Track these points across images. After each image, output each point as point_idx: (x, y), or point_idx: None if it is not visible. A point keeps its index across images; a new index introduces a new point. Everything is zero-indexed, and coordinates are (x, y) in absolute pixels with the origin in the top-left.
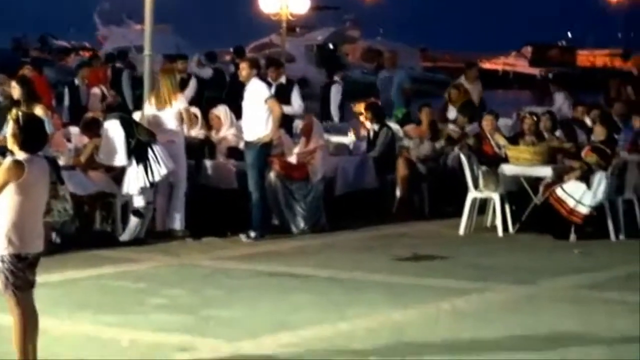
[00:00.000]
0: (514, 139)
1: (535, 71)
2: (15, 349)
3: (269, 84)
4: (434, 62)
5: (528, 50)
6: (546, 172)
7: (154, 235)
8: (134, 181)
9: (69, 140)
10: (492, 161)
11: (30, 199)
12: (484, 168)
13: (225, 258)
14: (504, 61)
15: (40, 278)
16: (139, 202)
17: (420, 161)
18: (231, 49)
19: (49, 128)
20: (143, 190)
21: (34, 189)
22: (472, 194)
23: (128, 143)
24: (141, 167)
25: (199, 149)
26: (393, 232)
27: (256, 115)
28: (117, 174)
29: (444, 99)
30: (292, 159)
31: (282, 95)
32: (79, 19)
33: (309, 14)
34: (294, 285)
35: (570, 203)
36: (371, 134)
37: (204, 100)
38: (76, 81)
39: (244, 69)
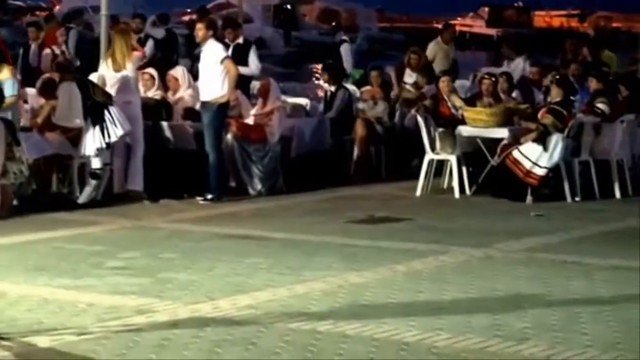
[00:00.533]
0: (471, 101)
1: (492, 32)
2: None
3: (226, 45)
4: (391, 22)
5: (485, 10)
6: (503, 133)
7: (111, 197)
8: (91, 143)
9: (25, 101)
10: (449, 123)
11: None
12: (440, 130)
13: (182, 220)
14: (460, 22)
15: None
16: (95, 163)
17: (377, 122)
18: (188, 10)
19: (13, 89)
20: (100, 152)
21: None
22: (428, 156)
23: (85, 104)
24: (97, 128)
25: (155, 110)
26: (349, 194)
27: (213, 76)
28: (74, 136)
29: (401, 62)
30: (250, 121)
31: (239, 56)
32: None
33: None
34: (251, 248)
35: (527, 165)
36: (328, 95)
37: (156, 61)
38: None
39: (200, 29)
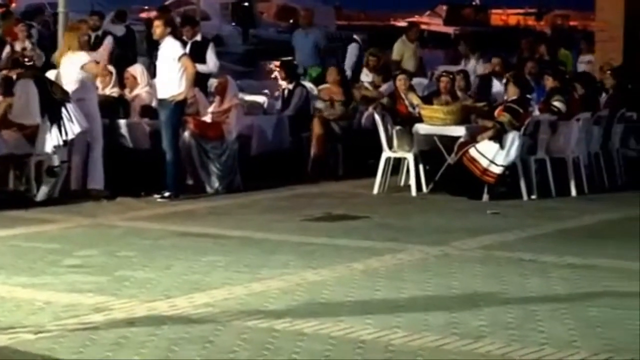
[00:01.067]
0: (428, 99)
1: (450, 30)
2: None
3: (184, 43)
4: (349, 20)
5: (442, 9)
6: (460, 131)
7: (69, 194)
8: (48, 140)
9: None
10: (406, 121)
11: None
12: (398, 128)
13: (139, 218)
14: (418, 20)
15: None
16: (53, 161)
17: (335, 121)
18: (146, 7)
19: None
20: (57, 149)
21: None
22: (386, 154)
23: (42, 101)
24: (55, 125)
25: (112, 108)
26: (307, 192)
27: (170, 74)
28: (31, 133)
29: (357, 62)
30: (207, 118)
31: (197, 54)
32: None
33: None
34: (208, 246)
35: (484, 163)
36: (285, 92)
37: (115, 58)
38: None
39: (158, 27)
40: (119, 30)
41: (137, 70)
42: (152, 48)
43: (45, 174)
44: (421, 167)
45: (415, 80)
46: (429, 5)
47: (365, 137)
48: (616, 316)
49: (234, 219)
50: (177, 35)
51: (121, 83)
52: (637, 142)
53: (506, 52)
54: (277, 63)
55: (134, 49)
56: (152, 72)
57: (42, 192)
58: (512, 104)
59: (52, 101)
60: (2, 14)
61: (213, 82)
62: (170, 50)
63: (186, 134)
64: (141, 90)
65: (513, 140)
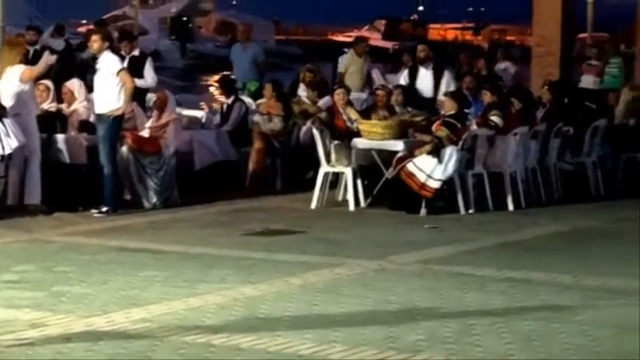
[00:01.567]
0: (366, 113)
1: (389, 45)
2: None
3: (122, 57)
4: (287, 35)
5: (381, 23)
6: (398, 146)
7: (6, 209)
8: None
9: None
10: (345, 135)
11: None
12: (336, 142)
13: (76, 233)
14: (357, 34)
15: None
16: None
17: (273, 135)
18: (84, 21)
19: None
20: None
21: None
22: (324, 169)
23: None
24: None
25: (50, 123)
26: (245, 206)
27: (108, 88)
28: None
29: (295, 78)
30: (145, 133)
31: (135, 68)
32: None
33: None
34: (146, 261)
35: (421, 177)
36: (224, 107)
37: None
38: None
39: (95, 41)
40: (58, 44)
41: (74, 85)
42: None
43: None
44: (359, 181)
45: (354, 95)
46: (368, 19)
47: (304, 152)
48: (552, 330)
49: (172, 233)
50: (115, 50)
51: (59, 98)
52: (573, 155)
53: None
54: (216, 78)
55: (73, 64)
56: (89, 86)
57: None
58: (450, 119)
59: None
60: None
61: (151, 97)
62: (108, 65)
63: (124, 148)
64: (79, 105)
65: (451, 154)
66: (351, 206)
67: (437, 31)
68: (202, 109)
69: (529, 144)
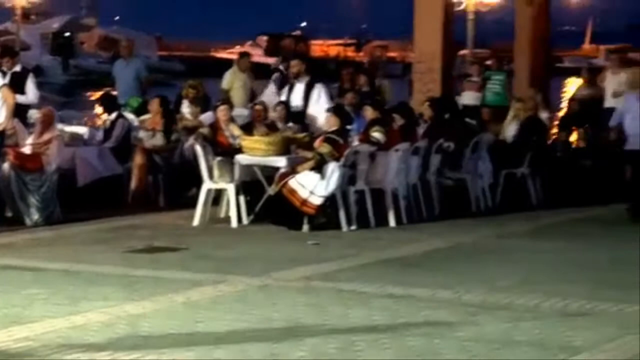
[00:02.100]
0: (248, 129)
1: (271, 61)
2: None
3: (3, 73)
4: (170, 50)
5: (263, 39)
6: (280, 162)
7: None
8: None
9: None
10: (227, 152)
11: None
12: (218, 159)
13: None
14: (239, 50)
15: None
16: None
17: (156, 152)
18: None
19: None
20: None
21: None
22: (206, 185)
23: None
24: None
25: None
26: (128, 223)
27: None
28: None
29: (178, 94)
30: (26, 149)
31: (16, 84)
32: None
33: (45, 1)
34: (28, 279)
35: (304, 194)
36: (107, 123)
37: None
38: None
39: None
40: None
41: None
42: None
43: None
44: (242, 198)
45: (238, 111)
46: (250, 35)
47: (187, 168)
48: (434, 346)
49: (55, 251)
50: None
51: None
52: (454, 171)
53: (327, 83)
54: (98, 94)
55: None
56: None
57: None
58: (332, 135)
59: None
60: None
61: (33, 113)
62: None
63: (5, 165)
64: None
65: (333, 171)
66: (234, 223)
67: (320, 47)
68: (85, 125)
69: (410, 160)
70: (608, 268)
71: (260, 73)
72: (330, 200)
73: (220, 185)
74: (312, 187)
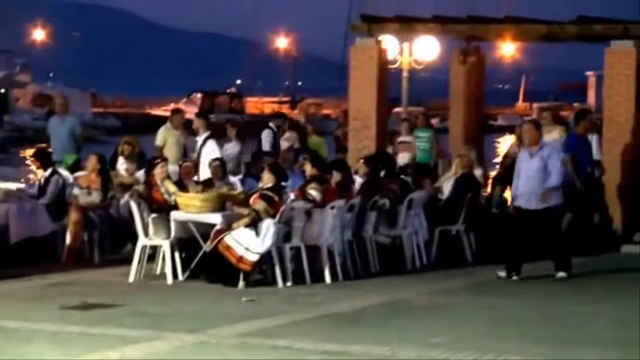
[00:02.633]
0: (183, 186)
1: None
2: None
3: None
4: (105, 107)
5: (198, 97)
6: (216, 219)
7: None
8: None
9: None
10: (163, 208)
11: None
12: (153, 215)
13: None
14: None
15: None
16: None
17: (91, 208)
18: None
19: None
20: None
21: None
22: (142, 241)
23: None
24: None
25: None
26: (63, 280)
27: None
28: None
29: (114, 150)
30: None
31: None
32: None
33: None
34: None
35: (239, 250)
36: (42, 180)
37: None
38: None
39: None
40: None
41: None
42: None
43: None
44: (177, 254)
45: (172, 168)
46: (185, 93)
47: (122, 225)
48: None
49: None
50: None
51: None
52: (390, 228)
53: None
54: (32, 150)
55: None
56: None
57: None
58: (268, 192)
59: None
60: None
61: None
62: None
63: None
64: None
65: (268, 227)
66: (169, 279)
67: (255, 104)
68: (19, 182)
69: (345, 217)
70: (539, 324)
71: (194, 130)
72: (266, 256)
73: (156, 241)
74: (247, 243)
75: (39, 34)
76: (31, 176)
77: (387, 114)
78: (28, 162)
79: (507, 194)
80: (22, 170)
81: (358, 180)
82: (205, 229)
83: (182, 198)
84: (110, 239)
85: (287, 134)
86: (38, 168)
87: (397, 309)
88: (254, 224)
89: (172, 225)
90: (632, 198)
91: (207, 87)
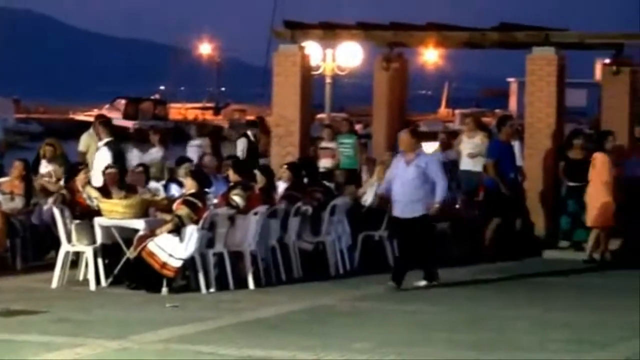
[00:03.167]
0: (105, 192)
1: (129, 124)
2: None
3: None
4: (28, 113)
5: (121, 103)
6: (139, 225)
7: None
8: None
9: None
10: (86, 214)
11: None
12: (76, 221)
13: None
14: (97, 113)
15: None
16: None
17: (13, 215)
18: None
19: None
20: None
21: None
22: (64, 247)
23: None
24: None
25: None
26: None
27: None
28: None
29: (36, 154)
30: None
31: None
32: None
33: None
34: None
35: (162, 256)
36: None
37: None
38: None
39: None
40: None
41: None
42: None
43: None
44: (100, 260)
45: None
46: (108, 99)
47: (45, 231)
48: None
49: None
50: None
51: None
52: (313, 234)
53: (184, 146)
54: None
55: None
56: None
57: None
58: (191, 198)
59: None
60: None
61: None
62: None
63: None
64: None
65: (191, 233)
66: (92, 286)
67: (178, 110)
68: None
69: (268, 223)
70: (464, 329)
71: (118, 136)
72: (189, 262)
73: (79, 248)
74: (171, 249)
75: None
76: None
77: (310, 120)
78: None
79: None
80: None
81: (282, 186)
82: (129, 235)
83: (105, 204)
84: (33, 245)
85: (198, 141)
86: None
87: (320, 315)
88: (177, 230)
89: (97, 231)
90: (553, 203)
91: (132, 93)
